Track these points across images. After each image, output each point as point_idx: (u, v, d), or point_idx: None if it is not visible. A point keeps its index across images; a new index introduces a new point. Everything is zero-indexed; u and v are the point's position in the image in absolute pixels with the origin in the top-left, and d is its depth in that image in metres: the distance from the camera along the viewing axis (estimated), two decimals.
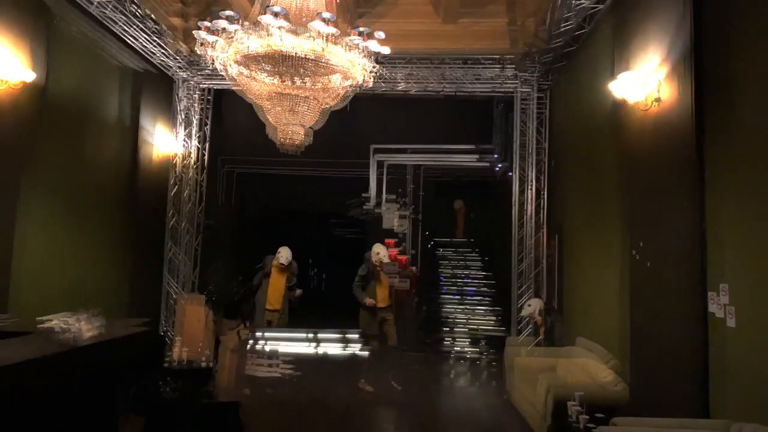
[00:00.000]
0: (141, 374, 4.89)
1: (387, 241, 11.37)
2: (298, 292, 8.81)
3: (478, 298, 11.99)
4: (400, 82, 9.41)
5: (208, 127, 10.39)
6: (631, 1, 5.74)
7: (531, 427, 6.06)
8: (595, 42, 7.29)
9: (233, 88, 5.84)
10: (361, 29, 4.82)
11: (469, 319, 11.53)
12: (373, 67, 5.15)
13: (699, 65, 4.46)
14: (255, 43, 4.73)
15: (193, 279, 10.09)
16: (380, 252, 8.16)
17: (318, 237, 16.07)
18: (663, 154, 4.89)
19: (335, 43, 4.67)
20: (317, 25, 4.51)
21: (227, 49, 4.91)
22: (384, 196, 11.94)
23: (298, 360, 9.35)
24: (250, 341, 8.79)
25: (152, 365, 5.16)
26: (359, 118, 11.62)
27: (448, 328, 11.44)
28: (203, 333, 6.91)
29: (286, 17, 4.48)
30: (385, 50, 5.00)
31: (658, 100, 4.99)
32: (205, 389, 5.36)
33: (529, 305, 7.95)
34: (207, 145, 10.38)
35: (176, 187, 10.01)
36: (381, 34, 4.86)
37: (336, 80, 5.25)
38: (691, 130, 4.42)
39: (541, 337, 7.64)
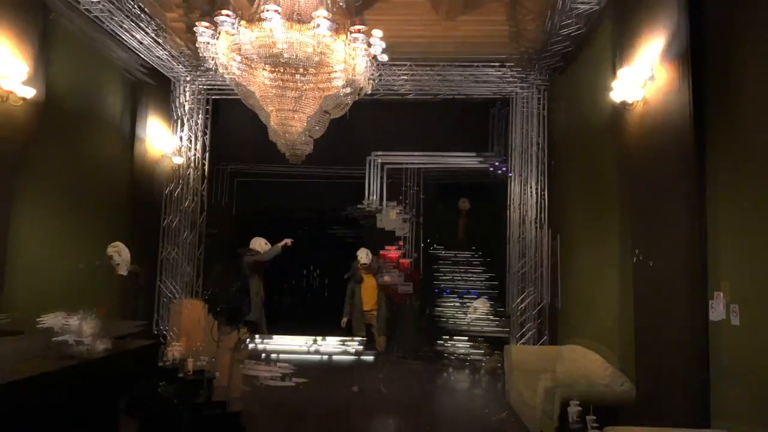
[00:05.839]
0: (139, 378, 4.87)
1: (387, 247, 11.31)
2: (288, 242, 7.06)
3: (481, 299, 11.93)
4: (398, 85, 9.40)
5: (208, 131, 10.36)
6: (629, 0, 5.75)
7: (530, 430, 6.02)
8: (594, 42, 7.29)
9: (230, 83, 5.85)
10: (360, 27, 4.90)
11: (470, 323, 11.47)
12: (374, 69, 5.21)
13: (697, 63, 4.46)
14: (252, 36, 4.80)
15: (197, 288, 10.05)
16: (361, 255, 8.40)
17: (317, 242, 16.02)
18: (662, 153, 4.88)
19: (335, 36, 4.74)
20: (320, 22, 4.57)
21: (226, 44, 4.97)
22: (384, 198, 11.91)
23: (297, 365, 9.31)
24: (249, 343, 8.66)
25: (149, 369, 5.12)
26: (359, 122, 11.58)
27: (449, 332, 11.38)
28: (202, 334, 6.86)
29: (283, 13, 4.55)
30: (382, 49, 5.05)
31: (651, 100, 4.99)
32: (204, 394, 5.33)
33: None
34: (207, 149, 10.35)
35: (176, 190, 9.95)
36: (378, 33, 4.90)
37: (336, 74, 5.31)
38: (689, 128, 4.42)
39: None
